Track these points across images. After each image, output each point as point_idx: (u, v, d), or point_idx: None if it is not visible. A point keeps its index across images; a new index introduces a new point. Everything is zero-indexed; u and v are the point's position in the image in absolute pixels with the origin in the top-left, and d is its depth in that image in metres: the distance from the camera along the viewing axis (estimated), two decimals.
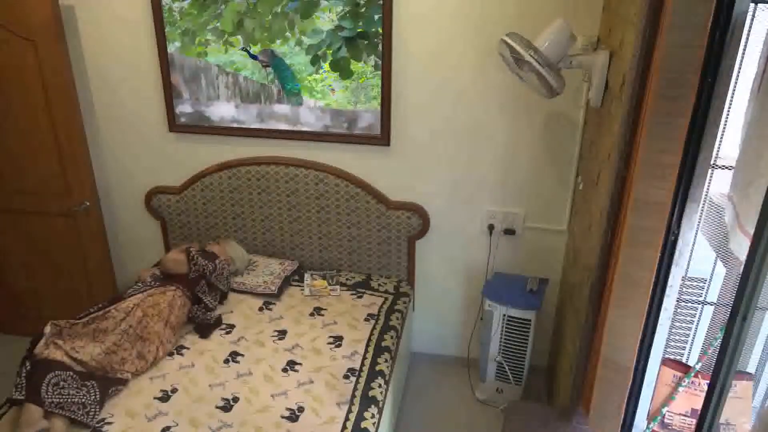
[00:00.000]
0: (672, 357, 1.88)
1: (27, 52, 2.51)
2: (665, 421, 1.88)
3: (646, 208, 1.59)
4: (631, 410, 1.88)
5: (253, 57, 2.57)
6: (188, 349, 2.24)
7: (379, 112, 2.53)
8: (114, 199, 3.02)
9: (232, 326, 2.39)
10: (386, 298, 2.64)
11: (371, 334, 2.37)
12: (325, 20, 2.42)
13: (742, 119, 1.43)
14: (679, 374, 1.83)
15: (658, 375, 1.85)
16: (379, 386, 2.09)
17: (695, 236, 1.68)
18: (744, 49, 1.44)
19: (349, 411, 1.96)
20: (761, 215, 1.06)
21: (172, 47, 2.60)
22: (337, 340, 2.32)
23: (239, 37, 2.53)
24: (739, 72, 1.47)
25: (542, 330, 2.82)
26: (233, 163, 2.77)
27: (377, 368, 2.18)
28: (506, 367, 2.62)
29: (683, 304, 1.83)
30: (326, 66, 2.51)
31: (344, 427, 1.88)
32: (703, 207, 1.65)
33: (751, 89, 1.38)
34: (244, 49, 2.56)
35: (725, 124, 1.53)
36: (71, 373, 1.87)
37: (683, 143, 1.50)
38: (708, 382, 1.29)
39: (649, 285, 1.66)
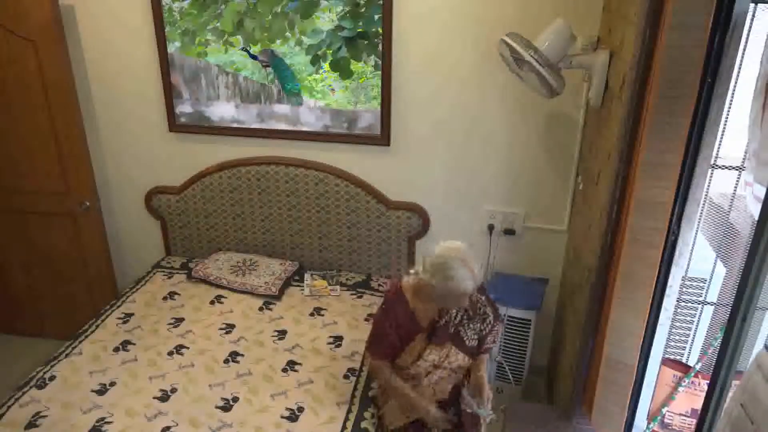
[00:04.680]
0: (672, 357, 1.88)
1: (27, 52, 2.50)
2: (665, 421, 1.88)
3: (647, 208, 1.59)
4: (631, 410, 1.88)
5: (253, 57, 2.57)
6: (188, 348, 2.24)
7: (379, 112, 2.53)
8: (114, 199, 3.02)
9: (232, 326, 2.39)
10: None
11: None
12: (325, 20, 2.42)
13: (743, 119, 1.43)
14: (679, 374, 1.83)
15: (658, 375, 1.85)
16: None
17: (695, 236, 1.68)
18: (744, 49, 1.44)
19: (349, 411, 1.96)
20: (761, 215, 1.06)
21: (172, 47, 2.60)
22: (337, 340, 2.32)
23: (239, 37, 2.53)
24: (739, 72, 1.47)
25: (542, 330, 2.81)
26: (233, 163, 2.77)
27: None
28: (506, 367, 2.62)
29: (683, 304, 1.83)
30: (326, 66, 2.51)
31: (344, 427, 1.88)
32: (703, 207, 1.65)
33: (754, 89, 1.37)
34: (244, 49, 2.55)
35: (725, 124, 1.53)
36: None
37: (684, 143, 1.50)
38: (708, 382, 1.29)
39: (652, 284, 1.66)
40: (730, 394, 1.25)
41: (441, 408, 1.89)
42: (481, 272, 1.72)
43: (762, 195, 1.33)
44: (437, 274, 1.68)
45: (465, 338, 1.87)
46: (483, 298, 1.89)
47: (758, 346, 1.57)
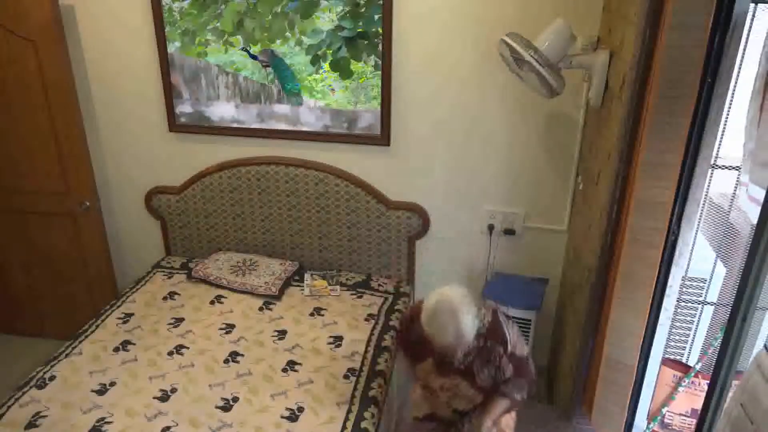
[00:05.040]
0: (672, 357, 1.89)
1: (27, 52, 2.50)
2: (665, 421, 1.88)
3: (647, 208, 1.59)
4: (631, 410, 1.88)
5: (253, 57, 2.57)
6: (188, 348, 2.24)
7: (379, 112, 2.53)
8: (114, 199, 3.02)
9: (232, 326, 2.39)
10: (386, 298, 2.64)
11: (371, 334, 2.37)
12: (325, 20, 2.42)
13: (743, 119, 1.43)
14: (679, 374, 1.84)
15: (658, 375, 1.85)
16: (379, 386, 2.09)
17: (695, 236, 1.68)
18: (744, 49, 1.44)
19: (349, 411, 1.96)
20: (761, 215, 1.06)
21: (172, 47, 2.60)
22: (337, 340, 2.32)
23: (239, 37, 2.53)
24: (739, 72, 1.47)
25: (542, 330, 2.81)
26: (233, 163, 2.77)
27: (377, 368, 2.18)
28: None
29: (683, 304, 1.84)
30: (326, 66, 2.51)
31: (344, 427, 1.88)
32: (703, 207, 1.65)
33: (752, 89, 1.38)
34: (244, 49, 2.55)
35: (725, 124, 1.53)
36: None
37: (684, 143, 1.51)
38: (708, 382, 1.30)
39: (652, 284, 1.66)
40: (730, 394, 1.25)
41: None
42: (475, 322, 1.65)
43: (756, 195, 1.34)
44: (426, 318, 1.67)
45: (477, 377, 1.80)
46: (500, 349, 1.78)
47: (758, 346, 1.57)
